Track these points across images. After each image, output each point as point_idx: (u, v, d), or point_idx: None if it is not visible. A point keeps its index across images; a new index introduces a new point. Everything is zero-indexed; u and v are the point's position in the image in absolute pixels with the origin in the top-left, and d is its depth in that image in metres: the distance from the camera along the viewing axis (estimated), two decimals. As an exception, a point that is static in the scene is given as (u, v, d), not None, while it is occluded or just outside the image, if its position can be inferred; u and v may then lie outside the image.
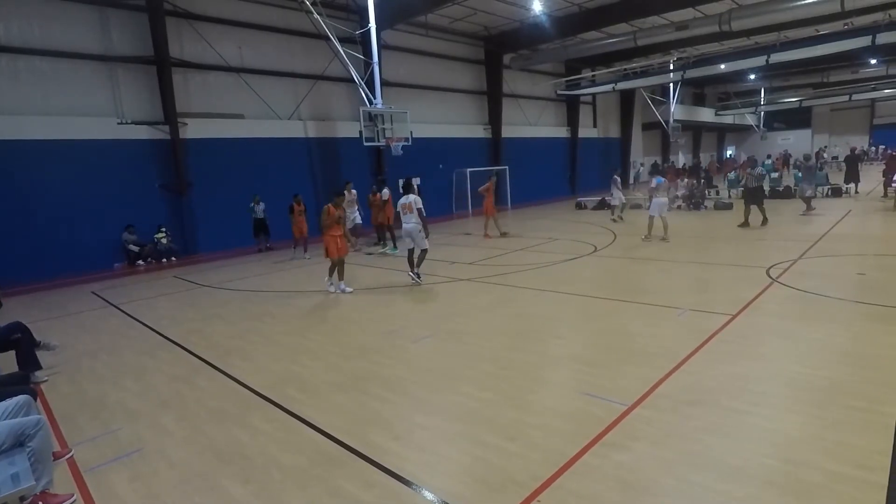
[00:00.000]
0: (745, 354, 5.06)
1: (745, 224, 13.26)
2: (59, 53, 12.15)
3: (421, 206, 8.83)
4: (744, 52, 23.28)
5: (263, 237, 14.73)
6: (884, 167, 18.71)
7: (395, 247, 12.97)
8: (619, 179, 16.80)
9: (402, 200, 9.03)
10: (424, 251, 9.08)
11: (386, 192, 13.42)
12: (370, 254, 13.09)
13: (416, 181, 12.42)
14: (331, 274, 8.97)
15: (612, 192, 16.67)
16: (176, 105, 13.68)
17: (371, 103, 14.26)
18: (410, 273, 9.15)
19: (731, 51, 24.70)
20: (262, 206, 14.39)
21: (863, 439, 3.44)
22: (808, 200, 15.29)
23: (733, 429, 3.69)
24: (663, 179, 12.91)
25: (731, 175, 23.59)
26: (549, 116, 27.21)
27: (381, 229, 13.64)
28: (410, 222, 8.89)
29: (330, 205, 8.85)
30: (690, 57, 24.65)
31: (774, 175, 22.99)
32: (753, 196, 13.38)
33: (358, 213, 13.83)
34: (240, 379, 5.31)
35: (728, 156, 46.23)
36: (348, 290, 8.85)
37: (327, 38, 14.15)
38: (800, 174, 18.11)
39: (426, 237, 8.94)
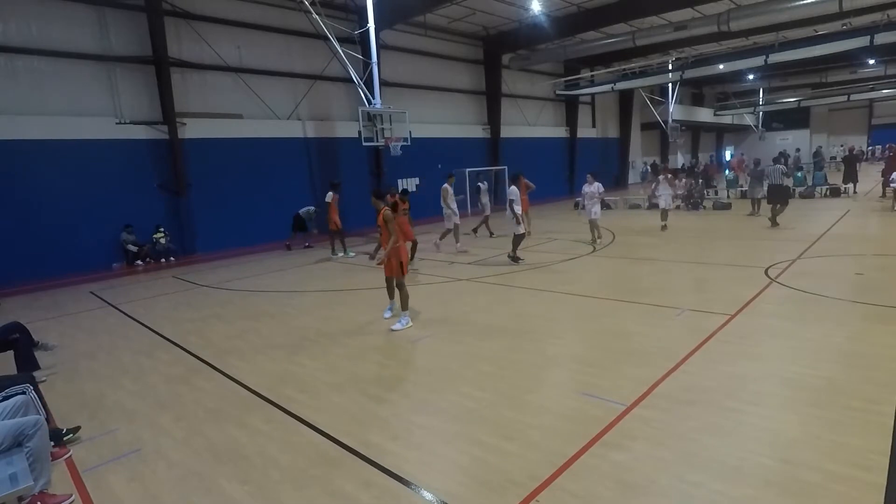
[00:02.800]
0: (744, 354, 5.07)
1: (775, 224, 12.98)
2: (58, 53, 12.12)
3: (514, 197, 10.10)
4: (742, 53, 23.33)
5: (300, 234, 14.68)
6: (883, 167, 18.75)
7: (344, 252, 12.78)
8: (669, 177, 14.65)
9: (508, 192, 10.53)
10: (515, 236, 10.42)
11: (330, 195, 12.54)
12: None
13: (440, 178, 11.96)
14: (394, 297, 7.08)
15: (658, 193, 14.46)
16: (174, 105, 13.66)
17: (370, 103, 14.25)
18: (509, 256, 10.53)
19: (730, 51, 24.76)
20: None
21: (861, 439, 3.45)
22: (755, 203, 15.57)
23: (731, 429, 3.70)
24: (596, 184, 12.31)
25: (729, 175, 23.63)
26: (547, 116, 27.22)
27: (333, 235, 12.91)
28: (508, 210, 10.35)
29: (385, 206, 6.92)
30: (689, 57, 24.70)
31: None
32: (773, 194, 13.19)
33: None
34: (238, 379, 5.31)
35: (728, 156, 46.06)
36: (397, 325, 6.65)
37: (326, 38, 14.14)
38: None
39: (518, 224, 10.23)
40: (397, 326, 6.60)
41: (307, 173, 16.96)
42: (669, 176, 14.74)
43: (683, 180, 20.13)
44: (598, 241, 12.36)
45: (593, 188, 12.16)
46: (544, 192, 25.70)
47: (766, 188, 14.01)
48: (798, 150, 36.48)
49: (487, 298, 8.03)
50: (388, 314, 7.11)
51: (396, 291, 6.88)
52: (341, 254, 12.82)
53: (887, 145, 29.78)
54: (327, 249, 13.20)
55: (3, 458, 3.16)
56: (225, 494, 3.35)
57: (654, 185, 20.54)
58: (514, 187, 10.26)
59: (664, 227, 13.79)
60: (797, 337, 5.51)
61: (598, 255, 11.07)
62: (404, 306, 6.73)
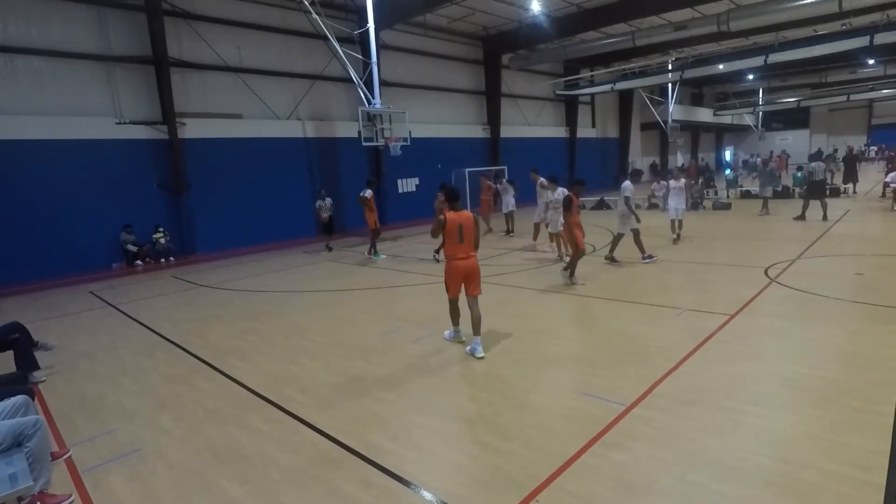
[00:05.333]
0: (743, 354, 5.07)
1: (802, 217, 13.53)
2: (58, 53, 12.11)
3: (627, 194, 9.57)
4: (742, 53, 23.32)
5: (326, 236, 14.16)
6: (887, 167, 18.77)
7: (376, 253, 12.38)
8: (678, 182, 12.20)
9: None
10: (619, 235, 9.92)
11: (369, 192, 12.16)
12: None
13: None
14: (455, 320, 5.91)
15: (677, 205, 11.80)
16: (174, 105, 13.65)
17: (370, 103, 14.24)
18: (644, 257, 9.86)
19: (730, 51, 24.76)
20: (328, 201, 13.77)
21: (860, 439, 3.45)
22: (765, 201, 15.73)
23: (731, 429, 3.70)
24: (560, 189, 10.45)
25: (730, 174, 23.62)
26: (547, 116, 27.23)
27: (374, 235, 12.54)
28: (618, 206, 9.95)
29: (445, 206, 5.70)
30: (689, 57, 24.71)
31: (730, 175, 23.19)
32: (816, 190, 13.86)
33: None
34: (238, 379, 5.31)
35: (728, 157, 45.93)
36: (478, 351, 5.47)
37: (326, 38, 14.13)
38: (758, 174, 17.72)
39: (634, 222, 9.65)
40: (468, 350, 5.56)
41: (307, 173, 16.96)
42: (684, 181, 12.20)
43: (682, 180, 20.11)
44: (566, 259, 10.06)
45: (557, 194, 10.35)
46: (544, 192, 25.78)
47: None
48: (836, 149, 36.13)
49: (487, 298, 7.97)
50: (450, 336, 5.88)
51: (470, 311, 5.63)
52: (376, 256, 12.37)
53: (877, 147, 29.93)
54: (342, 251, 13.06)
55: (2, 458, 3.16)
56: (225, 494, 3.35)
57: (653, 188, 20.57)
58: (627, 182, 9.75)
59: (677, 238, 11.92)
60: (797, 337, 5.51)
61: (598, 254, 11.05)
62: (475, 331, 5.57)
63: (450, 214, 5.41)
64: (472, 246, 5.54)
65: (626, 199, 9.58)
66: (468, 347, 5.58)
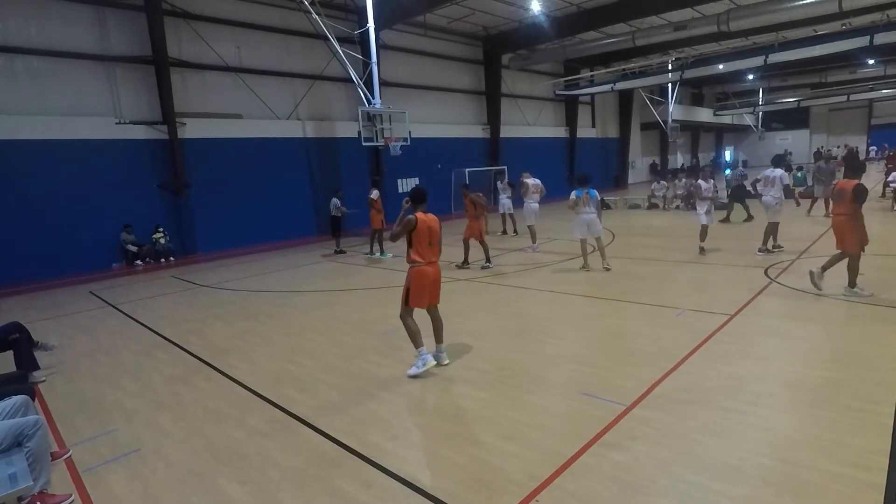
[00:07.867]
0: (743, 354, 5.07)
1: (727, 220, 14.22)
2: (57, 53, 12.11)
3: (787, 182, 9.69)
4: (742, 53, 23.36)
5: (333, 236, 13.69)
6: (888, 167, 18.77)
7: (383, 252, 12.45)
8: (707, 185, 10.53)
9: (767, 174, 9.78)
10: (773, 224, 9.77)
11: (375, 192, 12.41)
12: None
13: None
14: (419, 339, 5.23)
15: (701, 207, 10.43)
16: (174, 105, 13.65)
17: (369, 103, 14.25)
18: (759, 249, 9.83)
19: (730, 51, 24.80)
20: (334, 201, 13.31)
21: (860, 439, 3.45)
22: (826, 203, 15.48)
23: (731, 429, 3.70)
24: (584, 192, 9.34)
25: (729, 174, 23.63)
26: (547, 116, 27.23)
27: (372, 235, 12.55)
28: (768, 195, 9.66)
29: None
30: (689, 57, 24.74)
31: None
32: (739, 195, 15.00)
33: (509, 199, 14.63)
34: (238, 379, 5.30)
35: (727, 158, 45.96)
36: (444, 358, 5.34)
37: (326, 38, 14.13)
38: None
39: (776, 213, 9.54)
40: (411, 371, 5.08)
41: (307, 173, 16.96)
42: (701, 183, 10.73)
43: (683, 180, 20.14)
44: (586, 266, 9.64)
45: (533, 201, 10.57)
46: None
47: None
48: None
49: (487, 298, 8.03)
50: (423, 364, 5.07)
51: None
52: (378, 254, 12.41)
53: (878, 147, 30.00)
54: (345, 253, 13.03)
55: (2, 458, 3.16)
56: (224, 494, 3.35)
57: (653, 188, 20.54)
58: (781, 170, 9.71)
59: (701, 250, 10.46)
60: (797, 337, 5.51)
61: (598, 255, 11.04)
62: (439, 339, 5.39)
63: (419, 216, 5.14)
64: (438, 251, 5.30)
65: (787, 186, 9.63)
66: (432, 354, 5.20)
